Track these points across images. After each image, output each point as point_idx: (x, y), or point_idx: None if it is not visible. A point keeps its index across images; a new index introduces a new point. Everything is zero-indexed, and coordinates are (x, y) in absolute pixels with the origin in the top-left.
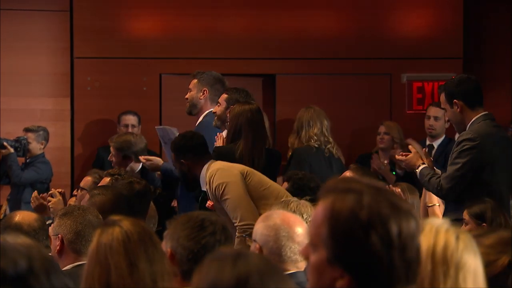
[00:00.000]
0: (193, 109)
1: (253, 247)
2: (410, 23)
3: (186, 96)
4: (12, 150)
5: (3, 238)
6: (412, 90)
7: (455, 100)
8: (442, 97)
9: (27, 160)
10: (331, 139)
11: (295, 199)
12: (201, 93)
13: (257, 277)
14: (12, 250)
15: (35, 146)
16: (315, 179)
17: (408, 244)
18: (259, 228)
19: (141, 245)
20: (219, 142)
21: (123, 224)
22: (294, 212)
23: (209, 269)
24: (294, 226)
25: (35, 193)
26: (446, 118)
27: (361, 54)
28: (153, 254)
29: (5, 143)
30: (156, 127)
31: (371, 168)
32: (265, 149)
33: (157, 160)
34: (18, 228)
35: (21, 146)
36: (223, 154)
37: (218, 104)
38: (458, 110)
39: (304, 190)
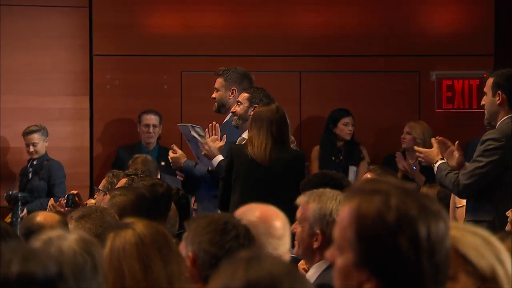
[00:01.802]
0: (222, 109)
1: None
2: (440, 19)
3: (213, 96)
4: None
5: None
6: (442, 88)
7: (499, 92)
8: (489, 81)
9: (34, 162)
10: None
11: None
12: (230, 93)
13: (268, 281)
14: (42, 254)
15: (42, 146)
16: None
17: (437, 247)
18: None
19: (155, 247)
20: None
21: (136, 227)
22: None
23: (222, 274)
24: (272, 221)
25: (51, 201)
26: (482, 102)
27: (389, 51)
28: (168, 255)
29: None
30: (178, 124)
31: (399, 168)
32: (288, 151)
33: (182, 154)
34: (40, 229)
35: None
36: (237, 152)
37: (239, 104)
38: (498, 102)
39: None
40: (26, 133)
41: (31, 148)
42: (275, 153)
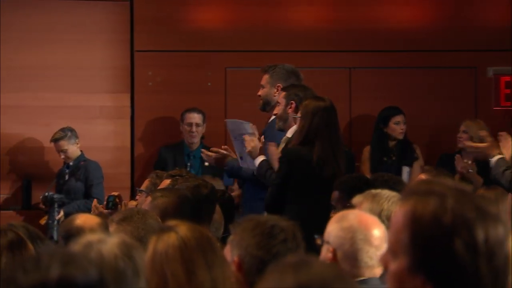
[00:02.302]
0: (267, 107)
1: (326, 249)
2: (497, 11)
3: (259, 93)
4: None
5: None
6: (499, 85)
7: None
8: None
9: (70, 163)
10: None
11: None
12: (275, 90)
13: (320, 284)
14: (82, 258)
15: (73, 151)
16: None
17: (495, 251)
18: (333, 230)
19: (198, 251)
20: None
21: (179, 230)
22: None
23: (270, 278)
24: (372, 229)
25: (95, 201)
26: None
27: (443, 45)
28: (212, 259)
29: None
30: (226, 120)
31: (457, 170)
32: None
33: (225, 154)
34: (80, 232)
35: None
36: (299, 157)
37: (278, 104)
38: None
39: None
40: (53, 140)
41: (62, 155)
42: (333, 151)
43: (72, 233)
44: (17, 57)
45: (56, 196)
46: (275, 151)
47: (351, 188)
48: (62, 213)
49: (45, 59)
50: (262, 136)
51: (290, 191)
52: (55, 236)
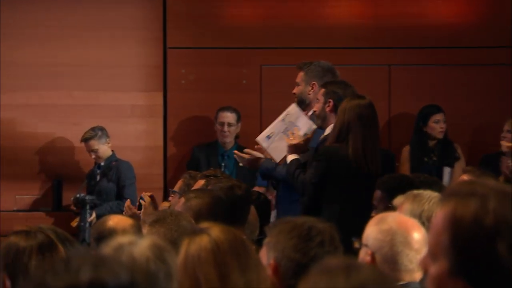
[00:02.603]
0: (302, 105)
1: (364, 252)
2: None
3: (294, 91)
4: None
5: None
6: None
7: None
8: None
9: (102, 163)
10: None
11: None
12: (310, 88)
13: None
14: (113, 261)
15: (104, 150)
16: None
17: None
18: (372, 232)
19: (232, 254)
20: (294, 140)
21: (212, 232)
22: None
23: (319, 282)
24: (412, 231)
25: (128, 201)
26: None
27: (486, 42)
28: (246, 263)
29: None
30: (295, 104)
31: (502, 171)
32: (379, 149)
33: (258, 154)
34: (112, 234)
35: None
36: (334, 155)
37: (317, 101)
38: None
39: None
40: (83, 140)
41: (93, 155)
42: (371, 151)
43: (104, 235)
44: (48, 55)
45: (88, 197)
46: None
47: (394, 189)
48: (94, 215)
49: (76, 56)
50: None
51: (326, 190)
52: (87, 239)
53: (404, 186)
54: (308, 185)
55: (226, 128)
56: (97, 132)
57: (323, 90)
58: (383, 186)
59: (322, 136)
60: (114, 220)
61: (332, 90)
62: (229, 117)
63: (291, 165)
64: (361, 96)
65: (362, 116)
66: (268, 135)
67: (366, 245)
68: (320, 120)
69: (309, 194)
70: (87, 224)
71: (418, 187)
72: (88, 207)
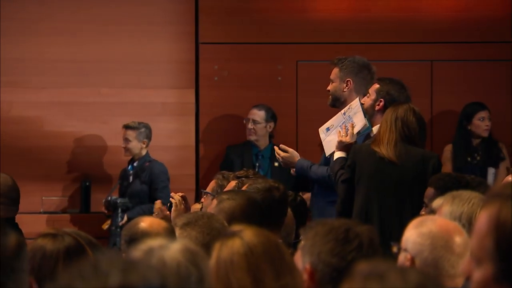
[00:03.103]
0: (336, 102)
1: (403, 257)
2: None
3: (328, 88)
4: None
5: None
6: None
7: None
8: None
9: (134, 164)
10: None
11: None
12: (345, 84)
13: None
14: (143, 265)
15: (136, 146)
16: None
17: None
18: (411, 236)
19: (266, 258)
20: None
21: (245, 235)
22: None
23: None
24: (453, 235)
25: (159, 203)
26: None
27: None
28: (280, 267)
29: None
30: (358, 98)
31: None
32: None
33: (294, 153)
34: (145, 237)
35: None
36: (369, 154)
37: (368, 95)
38: None
39: None
40: (124, 126)
41: (124, 144)
42: (405, 151)
43: (136, 238)
44: (77, 51)
45: (119, 200)
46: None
47: (446, 188)
48: (126, 218)
49: (105, 52)
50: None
51: (360, 191)
52: (118, 243)
53: (458, 186)
54: (342, 184)
55: (250, 125)
56: (141, 126)
57: (377, 86)
58: (436, 184)
59: (367, 134)
60: (147, 222)
61: (387, 90)
62: (255, 114)
63: (335, 164)
64: (404, 103)
65: (408, 127)
66: (328, 127)
67: (405, 250)
68: (368, 116)
69: (340, 192)
70: (119, 229)
71: (473, 188)
72: (119, 210)
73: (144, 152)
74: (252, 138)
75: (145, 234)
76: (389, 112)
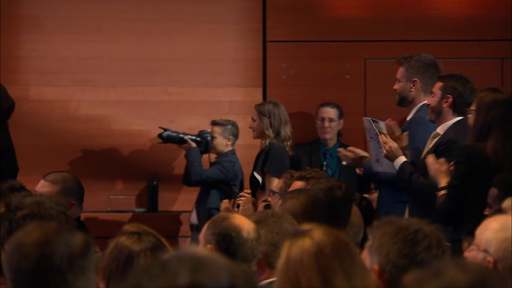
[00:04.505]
0: (403, 102)
1: (482, 257)
2: None
3: (395, 87)
4: (193, 144)
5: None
6: None
7: None
8: None
9: (215, 160)
10: None
11: None
12: (411, 84)
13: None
14: (213, 264)
15: (220, 142)
16: None
17: None
18: (494, 240)
19: (336, 258)
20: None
21: (314, 235)
22: None
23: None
24: None
25: (226, 202)
26: None
27: None
28: (350, 267)
29: (186, 137)
30: (364, 118)
31: None
32: None
33: (362, 152)
34: (238, 233)
35: (203, 141)
36: (477, 154)
37: (432, 95)
38: None
39: None
40: (212, 122)
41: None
42: None
43: (227, 233)
44: (147, 49)
45: None
46: (435, 163)
47: (510, 188)
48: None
49: (173, 51)
50: (405, 133)
51: (469, 195)
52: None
53: None
54: (448, 188)
55: (326, 123)
56: (227, 124)
57: (440, 84)
58: (500, 184)
59: (434, 133)
60: (238, 220)
61: (452, 85)
62: (330, 112)
63: (403, 170)
64: (499, 89)
65: (507, 114)
66: (377, 160)
67: (486, 251)
68: (435, 114)
69: (450, 199)
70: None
71: None
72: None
73: (227, 149)
74: (328, 136)
75: (239, 231)
76: (492, 109)
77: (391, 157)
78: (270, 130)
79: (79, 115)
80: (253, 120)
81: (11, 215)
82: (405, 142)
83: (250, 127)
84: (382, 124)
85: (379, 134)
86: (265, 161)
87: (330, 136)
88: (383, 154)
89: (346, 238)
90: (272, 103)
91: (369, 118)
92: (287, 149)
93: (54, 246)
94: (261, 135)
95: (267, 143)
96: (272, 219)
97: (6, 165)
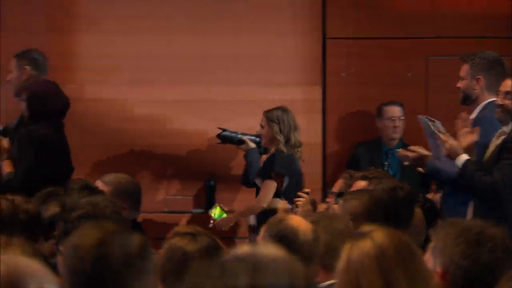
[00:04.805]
0: (467, 100)
1: None
2: None
3: (458, 85)
4: (252, 145)
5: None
6: None
7: None
8: None
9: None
10: None
11: None
12: (475, 82)
13: None
14: (273, 265)
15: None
16: None
17: None
18: None
19: (398, 261)
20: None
21: (376, 236)
22: None
23: None
24: None
25: (285, 203)
26: None
27: None
28: (413, 270)
29: (244, 138)
30: (418, 116)
31: None
32: None
33: (424, 151)
34: (295, 234)
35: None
36: None
37: (499, 93)
38: None
39: None
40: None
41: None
42: None
43: (284, 234)
44: (205, 47)
45: None
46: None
47: None
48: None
49: (232, 49)
50: (476, 128)
51: None
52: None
53: None
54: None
55: (397, 123)
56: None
57: (510, 82)
58: None
59: (500, 131)
60: (295, 221)
61: None
62: (397, 111)
63: (465, 168)
64: None
65: None
66: (436, 157)
67: None
68: (504, 113)
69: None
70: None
71: None
72: None
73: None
74: (398, 136)
75: (296, 232)
76: None
77: (452, 155)
78: (281, 136)
79: (135, 115)
80: (262, 126)
81: (66, 216)
82: (476, 138)
83: (258, 134)
84: (438, 124)
85: (436, 132)
86: (272, 166)
87: (399, 136)
88: (443, 154)
89: (408, 239)
90: (281, 109)
91: (424, 117)
92: (298, 155)
93: (110, 247)
94: (271, 141)
95: (276, 149)
96: (325, 221)
97: (61, 165)
